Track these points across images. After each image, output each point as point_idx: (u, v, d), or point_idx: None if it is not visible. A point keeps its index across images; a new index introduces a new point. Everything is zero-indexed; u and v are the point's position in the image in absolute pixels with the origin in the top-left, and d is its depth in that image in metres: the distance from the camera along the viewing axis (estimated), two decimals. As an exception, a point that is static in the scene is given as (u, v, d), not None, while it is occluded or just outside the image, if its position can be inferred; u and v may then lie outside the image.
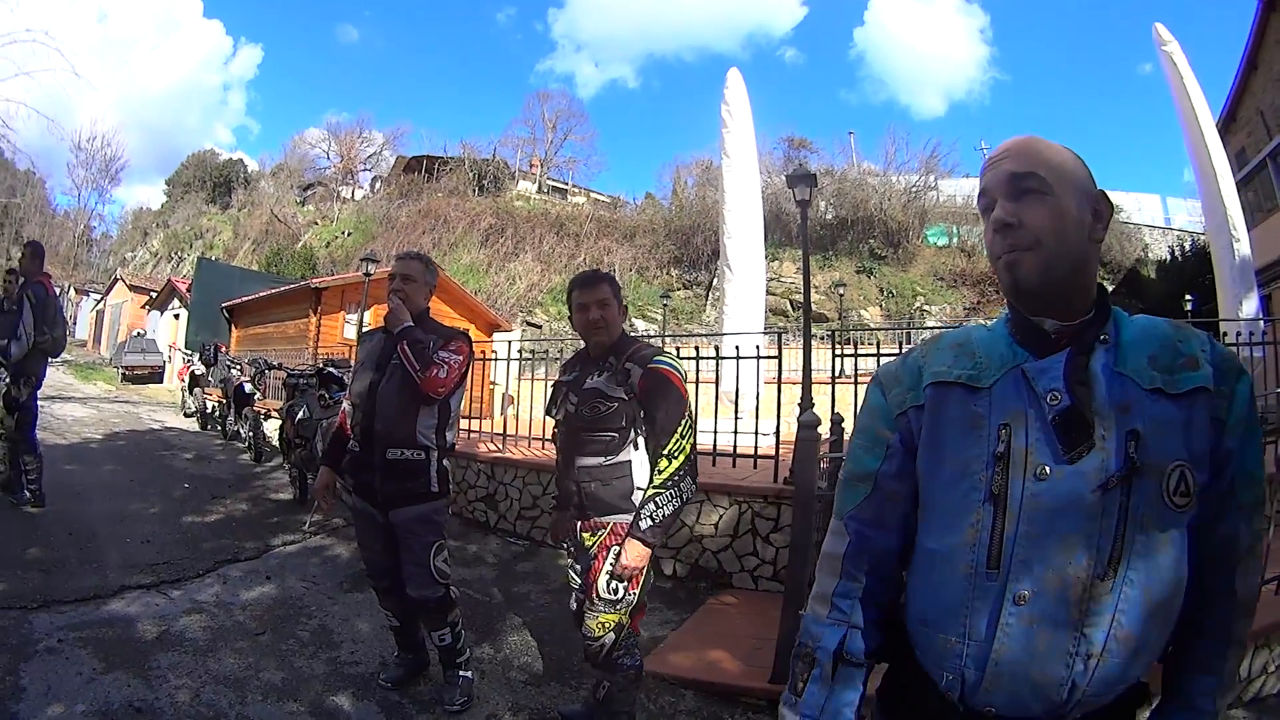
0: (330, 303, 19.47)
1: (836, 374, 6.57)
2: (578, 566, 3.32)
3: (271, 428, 10.98)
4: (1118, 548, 1.15)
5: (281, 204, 47.50)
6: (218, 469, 9.88)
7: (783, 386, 6.39)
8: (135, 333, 28.73)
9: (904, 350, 1.61)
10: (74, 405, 16.19)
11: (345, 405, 3.89)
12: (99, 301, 40.04)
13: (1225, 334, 7.27)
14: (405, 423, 3.53)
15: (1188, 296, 20.86)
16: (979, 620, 1.23)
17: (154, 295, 31.94)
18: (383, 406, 3.54)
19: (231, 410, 12.65)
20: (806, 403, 5.93)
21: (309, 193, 50.55)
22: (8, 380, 6.44)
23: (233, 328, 22.88)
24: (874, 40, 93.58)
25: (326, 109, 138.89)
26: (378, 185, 49.64)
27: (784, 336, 6.96)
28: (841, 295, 27.78)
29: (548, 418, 3.49)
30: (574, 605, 3.36)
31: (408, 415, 3.53)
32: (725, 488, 5.89)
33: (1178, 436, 1.19)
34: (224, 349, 16.29)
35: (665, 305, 29.37)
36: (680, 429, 3.08)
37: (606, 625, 3.13)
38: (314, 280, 21.05)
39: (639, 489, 3.11)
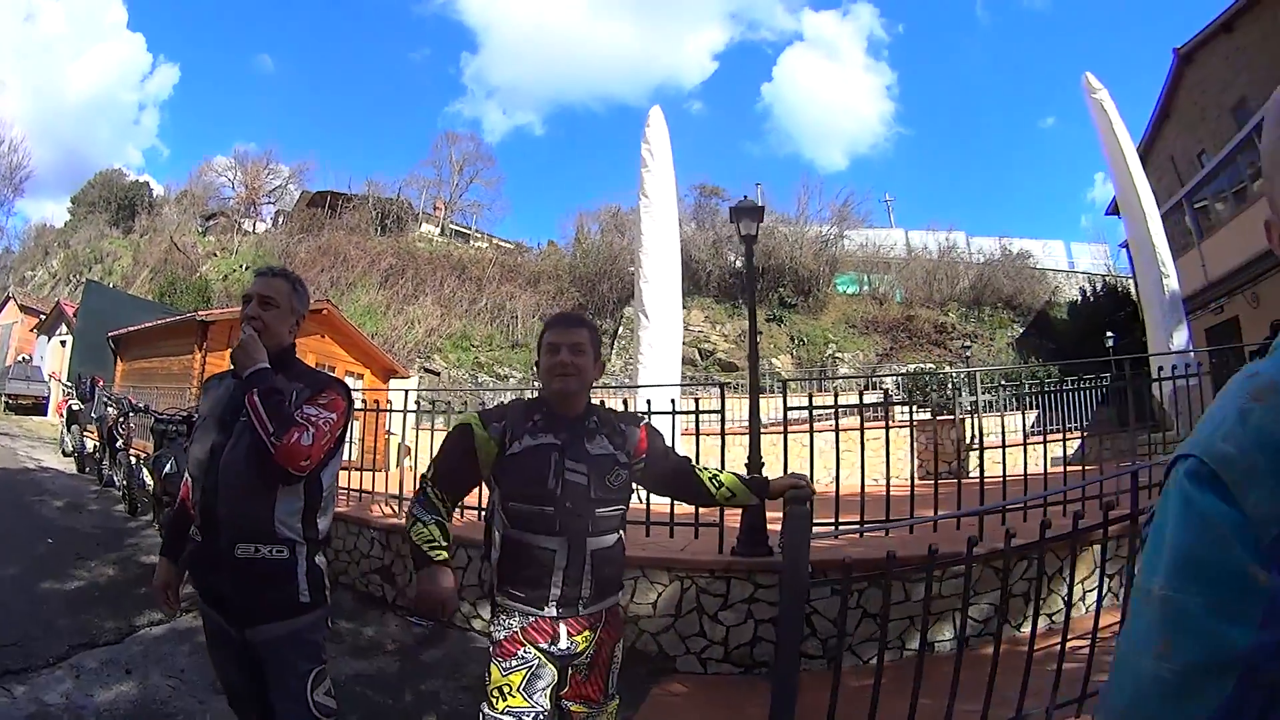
0: (218, 338, 17.78)
1: (786, 424, 5.95)
2: (544, 680, 2.56)
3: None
4: None
5: (182, 232, 45.77)
6: (88, 521, 8.88)
7: (726, 439, 5.82)
8: (21, 358, 26.79)
9: (1222, 409, 0.81)
10: (-56, 435, 14.78)
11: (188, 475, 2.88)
12: (-11, 321, 37.69)
13: (1161, 368, 7.53)
14: (258, 507, 2.56)
15: (1109, 334, 21.28)
16: None
17: (44, 318, 29.94)
18: (227, 483, 2.58)
19: (106, 453, 11.60)
20: (755, 460, 5.35)
21: (211, 223, 48.74)
22: None
23: (118, 360, 21.42)
24: (781, 95, 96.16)
25: (236, 138, 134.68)
26: (280, 220, 48.37)
27: (724, 388, 6.35)
28: (757, 344, 27.26)
29: (525, 493, 2.58)
30: None
31: (261, 496, 2.57)
32: (664, 561, 5.25)
33: None
34: (101, 383, 14.90)
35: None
36: None
37: (613, 715, 2.80)
38: (201, 313, 19.42)
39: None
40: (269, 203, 50.83)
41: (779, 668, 3.12)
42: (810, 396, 6.19)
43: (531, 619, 2.57)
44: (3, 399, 23.66)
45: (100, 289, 29.54)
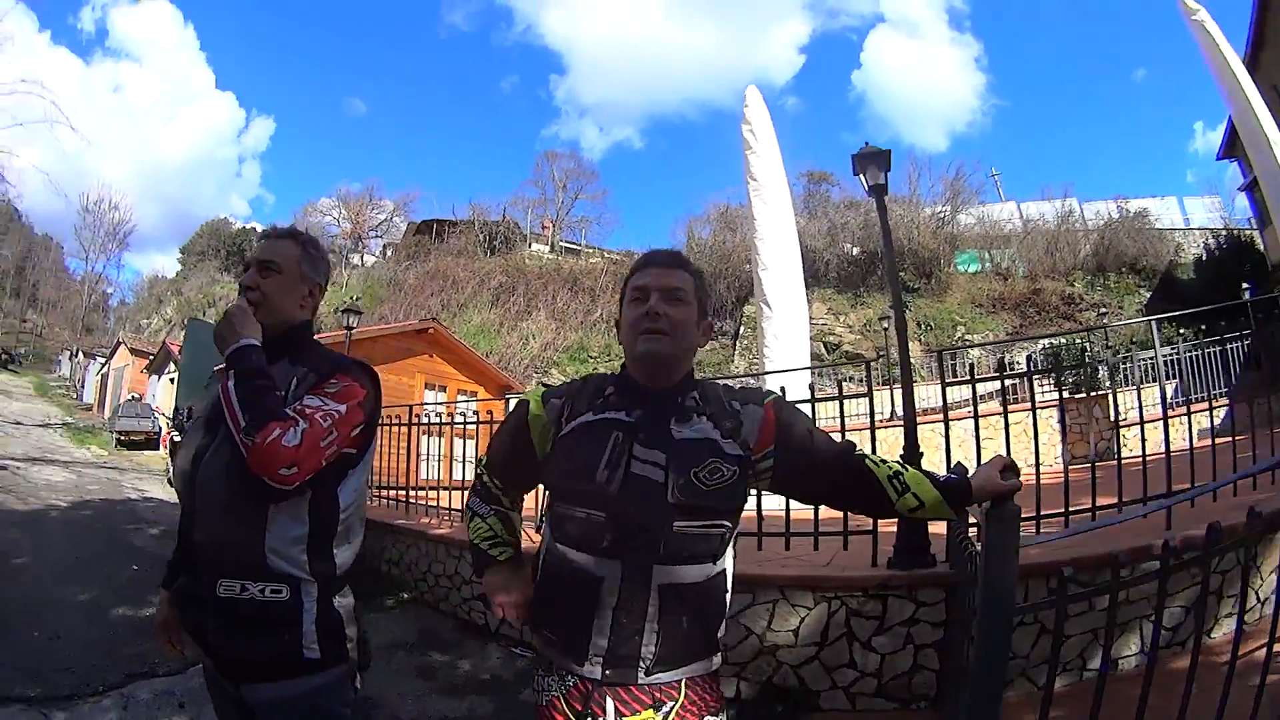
0: (317, 359, 17.57)
1: (947, 409, 5.04)
2: None
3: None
4: None
5: None
6: (183, 548, 8.55)
7: (877, 433, 4.90)
8: (130, 396, 27.90)
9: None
10: (55, 469, 15.25)
11: None
12: (103, 366, 39.32)
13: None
14: (243, 532, 1.87)
15: (1245, 285, 19.64)
16: None
17: (153, 358, 31.21)
18: (205, 501, 1.93)
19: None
20: (912, 453, 4.45)
21: None
22: None
23: (232, 396, 21.75)
24: (872, 81, 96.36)
25: (338, 180, 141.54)
26: (389, 252, 49.50)
27: (870, 365, 5.47)
28: (886, 329, 25.20)
29: (566, 487, 1.83)
30: None
31: (246, 518, 1.87)
32: (808, 580, 4.32)
33: None
34: (200, 413, 14.93)
35: (690, 358, 28.70)
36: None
37: None
38: None
39: (726, 612, 1.87)
40: (376, 236, 52.43)
41: (975, 710, 2.20)
42: (972, 373, 5.13)
43: (571, 682, 1.79)
44: (115, 436, 24.41)
45: (203, 325, 30.38)
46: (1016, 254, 33.51)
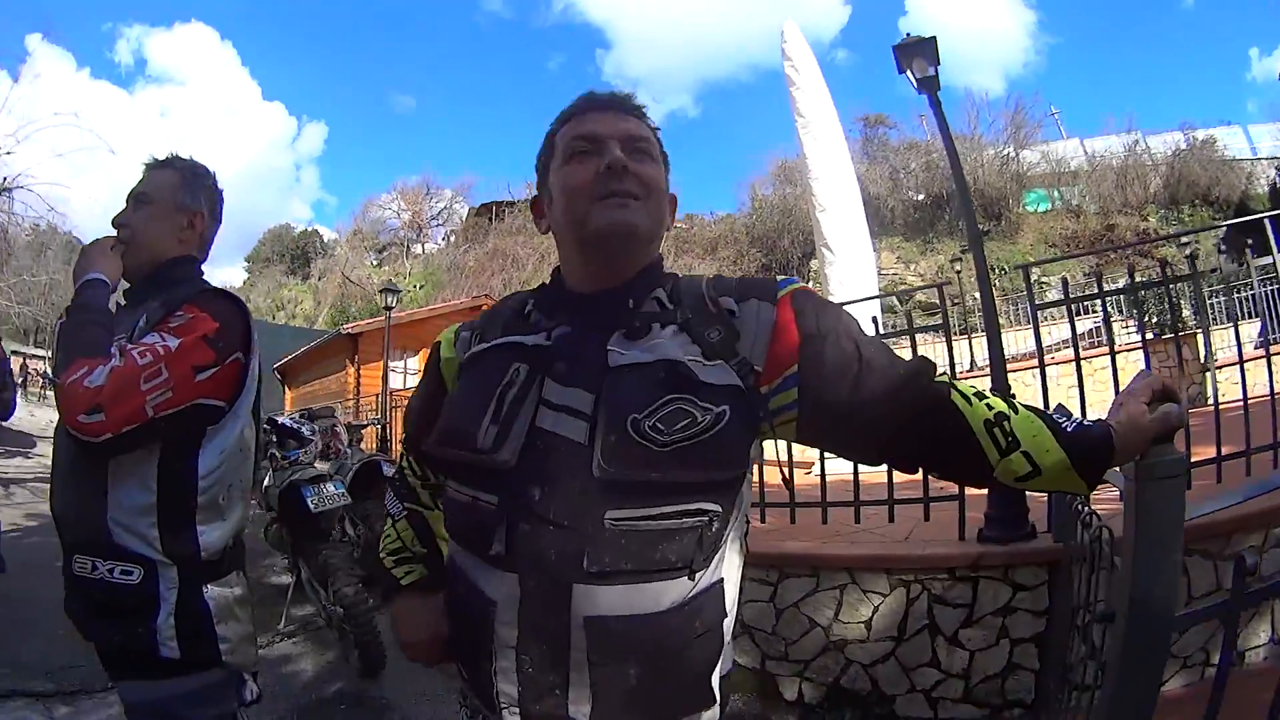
0: (370, 350, 17.51)
1: (1038, 328, 4.20)
2: None
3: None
4: None
5: (354, 267, 48.02)
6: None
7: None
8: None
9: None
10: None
11: None
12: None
13: None
14: (86, 498, 1.61)
15: None
16: None
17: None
18: (57, 463, 1.73)
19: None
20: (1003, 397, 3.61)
21: (384, 254, 51.31)
22: None
23: (285, 389, 21.57)
24: (920, 28, 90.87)
25: (395, 174, 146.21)
26: (451, 239, 49.92)
27: (943, 288, 4.62)
28: (959, 271, 23.82)
29: (440, 455, 1.19)
30: None
31: (88, 482, 1.60)
32: (881, 560, 3.56)
33: None
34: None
35: (757, 317, 28.00)
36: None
37: None
38: (347, 326, 19.32)
39: (727, 644, 1.11)
40: (437, 225, 52.90)
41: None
42: (1065, 289, 4.22)
43: None
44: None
45: (258, 325, 31.27)
46: (1085, 190, 31.91)
